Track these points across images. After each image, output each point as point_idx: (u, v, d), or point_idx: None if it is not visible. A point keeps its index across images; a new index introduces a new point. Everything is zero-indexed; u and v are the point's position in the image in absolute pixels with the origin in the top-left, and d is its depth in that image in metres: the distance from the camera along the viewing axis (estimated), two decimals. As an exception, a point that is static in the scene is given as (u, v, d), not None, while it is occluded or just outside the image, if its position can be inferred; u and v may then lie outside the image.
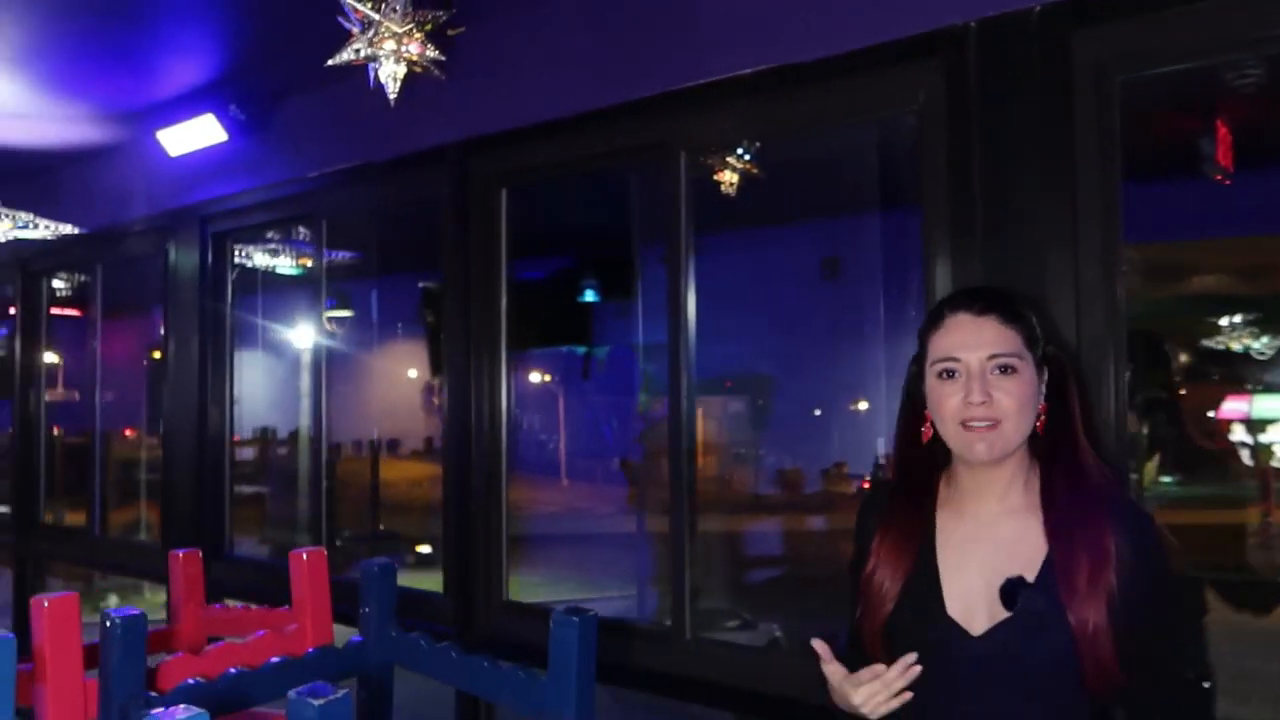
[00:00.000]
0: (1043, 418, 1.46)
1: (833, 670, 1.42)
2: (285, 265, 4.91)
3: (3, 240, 4.11)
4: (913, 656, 1.37)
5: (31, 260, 5.28)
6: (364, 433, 12.13)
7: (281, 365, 9.87)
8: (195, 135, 3.99)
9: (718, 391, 10.30)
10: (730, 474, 10.14)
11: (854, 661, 1.43)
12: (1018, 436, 1.44)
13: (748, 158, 3.51)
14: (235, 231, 4.18)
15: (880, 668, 1.37)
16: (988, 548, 1.44)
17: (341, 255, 5.05)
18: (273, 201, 3.92)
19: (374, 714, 1.83)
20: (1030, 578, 1.39)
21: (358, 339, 11.28)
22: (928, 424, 1.48)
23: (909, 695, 1.37)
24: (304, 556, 1.92)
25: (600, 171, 3.29)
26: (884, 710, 1.37)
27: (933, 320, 1.50)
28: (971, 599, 1.41)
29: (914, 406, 1.52)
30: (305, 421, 9.70)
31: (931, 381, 1.47)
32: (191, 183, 4.26)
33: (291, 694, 1.16)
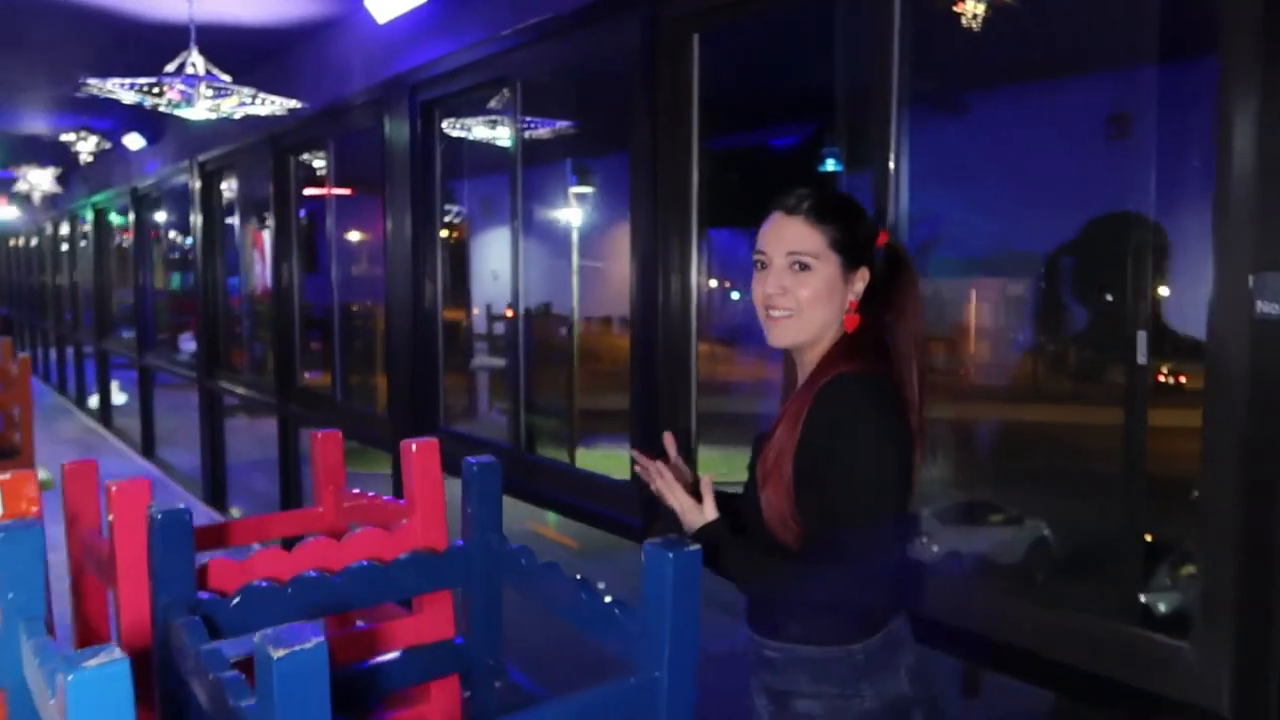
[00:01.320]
0: (850, 315, 1.58)
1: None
2: (505, 137, 4.77)
3: (237, 116, 4.23)
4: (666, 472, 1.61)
5: (281, 138, 5.51)
6: (601, 309, 12.23)
7: (541, 242, 10.04)
8: (397, -2, 3.86)
9: (996, 271, 9.41)
10: (1008, 361, 9.45)
11: None
12: (810, 328, 1.57)
13: (997, -17, 2.85)
14: (441, 100, 4.05)
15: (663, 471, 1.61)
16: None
17: (558, 125, 4.84)
18: (468, 66, 3.73)
19: (480, 630, 1.63)
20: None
21: (608, 215, 11.28)
22: None
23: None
24: (413, 448, 1.72)
25: (804, 6, 2.79)
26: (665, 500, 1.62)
27: (763, 215, 1.62)
28: None
29: None
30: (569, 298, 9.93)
31: (755, 271, 1.62)
32: (399, 50, 4.17)
33: (257, 636, 0.93)
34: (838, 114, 2.92)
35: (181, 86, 3.91)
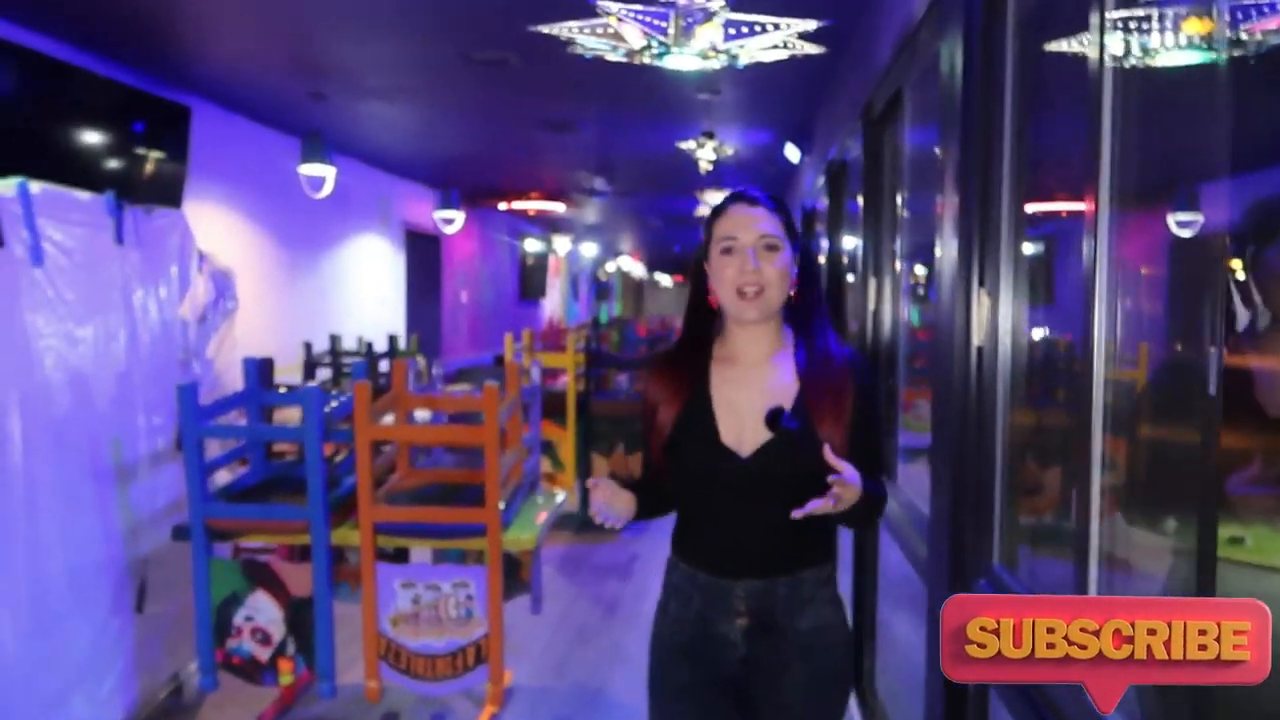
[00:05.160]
0: (794, 291, 1.96)
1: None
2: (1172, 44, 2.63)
3: (742, 62, 2.94)
4: (607, 482, 1.86)
5: (871, 106, 4.07)
6: None
7: None
8: None
9: None
10: None
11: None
12: (778, 300, 1.93)
13: None
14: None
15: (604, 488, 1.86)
16: (753, 389, 1.93)
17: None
18: None
19: None
20: (788, 409, 1.86)
21: None
22: (712, 293, 1.96)
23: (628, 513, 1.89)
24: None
25: None
26: (612, 522, 1.86)
27: (716, 212, 1.97)
28: (740, 429, 1.90)
29: (700, 282, 1.99)
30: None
31: (716, 258, 1.93)
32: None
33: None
34: None
35: (638, 20, 2.76)
